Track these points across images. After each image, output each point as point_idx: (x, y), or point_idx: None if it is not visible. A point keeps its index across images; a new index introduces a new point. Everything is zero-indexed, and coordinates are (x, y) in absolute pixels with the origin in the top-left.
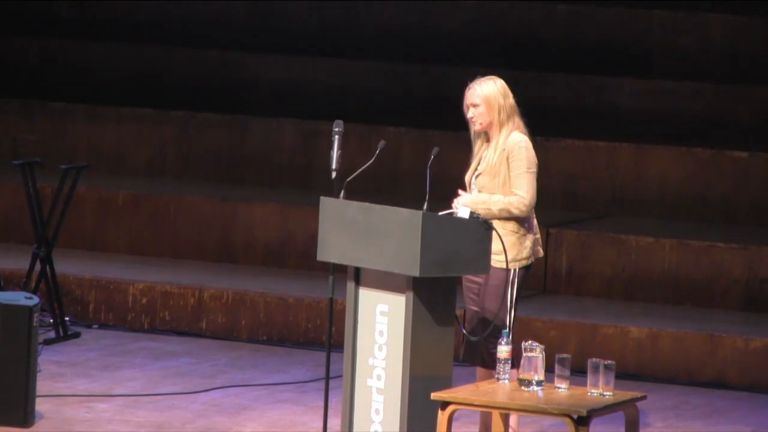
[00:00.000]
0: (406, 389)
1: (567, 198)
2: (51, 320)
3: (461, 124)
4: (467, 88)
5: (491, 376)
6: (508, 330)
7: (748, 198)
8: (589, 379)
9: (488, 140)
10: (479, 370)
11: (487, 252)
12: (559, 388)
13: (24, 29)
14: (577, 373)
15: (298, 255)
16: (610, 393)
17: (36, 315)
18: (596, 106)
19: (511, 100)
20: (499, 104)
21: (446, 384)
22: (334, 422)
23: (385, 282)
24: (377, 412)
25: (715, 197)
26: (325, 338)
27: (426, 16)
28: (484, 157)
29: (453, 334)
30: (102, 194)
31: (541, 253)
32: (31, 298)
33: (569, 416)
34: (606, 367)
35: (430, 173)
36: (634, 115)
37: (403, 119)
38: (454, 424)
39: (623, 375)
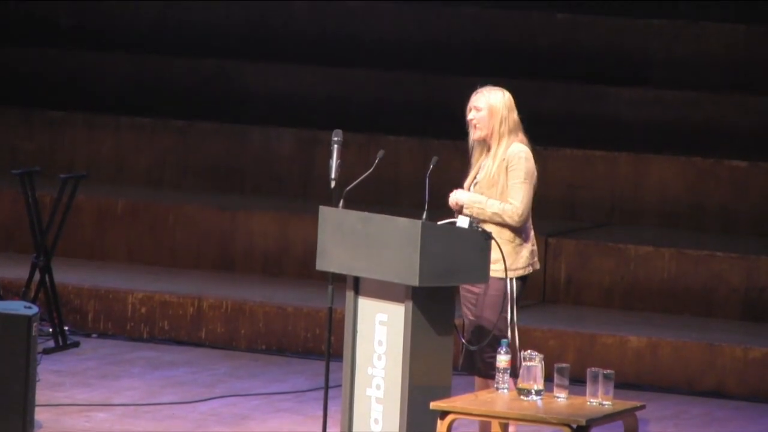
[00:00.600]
0: (405, 398)
1: (566, 207)
2: (50, 329)
3: (460, 133)
4: (475, 92)
5: (490, 386)
6: (508, 341)
7: (747, 207)
8: (588, 388)
9: (487, 149)
10: (478, 380)
11: (486, 262)
12: (558, 397)
13: (23, 38)
14: (576, 382)
15: (297, 264)
16: (609, 402)
17: (35, 324)
18: (595, 115)
19: (515, 115)
20: (502, 115)
21: (445, 393)
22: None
23: (385, 291)
24: (376, 421)
25: (714, 206)
26: (324, 347)
27: (425, 24)
28: (483, 166)
29: (452, 343)
30: (101, 203)
31: (538, 265)
32: (30, 307)
33: (568, 425)
34: (605, 376)
35: (429, 182)
36: (633, 124)
37: (402, 128)
38: None
39: (622, 384)
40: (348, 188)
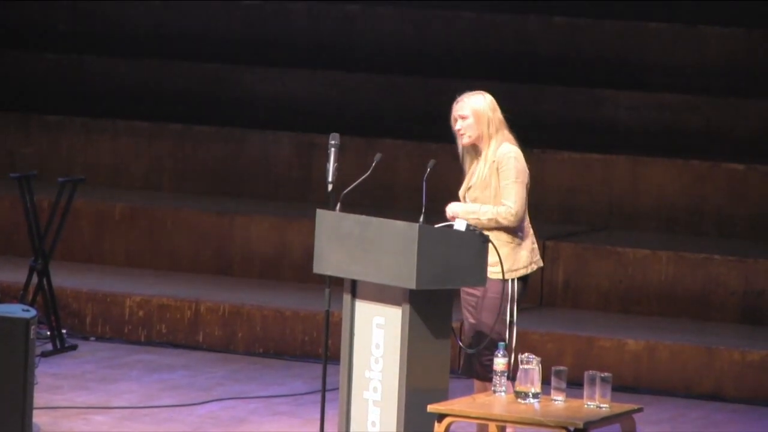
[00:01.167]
0: (402, 401)
1: (563, 211)
2: (48, 333)
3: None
4: (455, 102)
5: (488, 389)
6: (506, 343)
7: (744, 211)
8: (586, 391)
9: (477, 154)
10: (476, 383)
11: (483, 265)
12: (555, 400)
13: (21, 42)
14: (574, 385)
15: (295, 268)
16: (607, 405)
17: (33, 327)
18: (593, 119)
19: (499, 114)
20: (488, 117)
21: (443, 396)
22: None
23: (382, 295)
24: (374, 424)
25: (711, 210)
26: (322, 351)
27: (422, 29)
28: (475, 171)
29: (449, 346)
30: (99, 207)
31: (541, 262)
32: (28, 310)
33: (566, 428)
34: (603, 379)
35: (426, 186)
36: (631, 128)
37: (399, 132)
38: None
39: (620, 387)
40: (345, 192)
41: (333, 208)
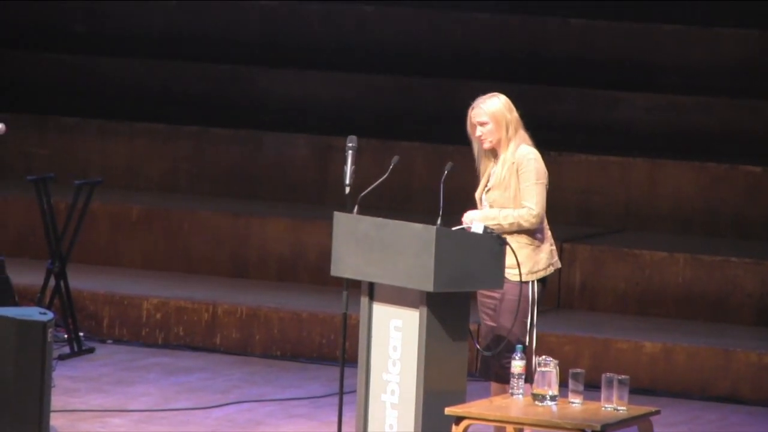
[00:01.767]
0: (420, 404)
1: (580, 213)
2: (65, 335)
3: None
4: (471, 108)
5: (506, 391)
6: (524, 345)
7: (761, 212)
8: (603, 393)
9: (495, 156)
10: (494, 385)
11: (500, 267)
12: (572, 402)
13: (37, 44)
14: (591, 388)
15: (312, 270)
16: (624, 408)
17: (50, 330)
18: (609, 121)
19: (515, 113)
20: (506, 119)
21: (460, 399)
22: None
23: (399, 297)
24: (391, 427)
25: (728, 212)
26: (339, 353)
27: (438, 30)
28: (493, 173)
29: (467, 348)
30: (115, 210)
31: (559, 264)
32: (45, 313)
33: (583, 431)
34: (620, 381)
35: (443, 188)
36: (647, 129)
37: (416, 134)
38: None
39: (637, 390)
40: (362, 194)
41: (350, 211)
